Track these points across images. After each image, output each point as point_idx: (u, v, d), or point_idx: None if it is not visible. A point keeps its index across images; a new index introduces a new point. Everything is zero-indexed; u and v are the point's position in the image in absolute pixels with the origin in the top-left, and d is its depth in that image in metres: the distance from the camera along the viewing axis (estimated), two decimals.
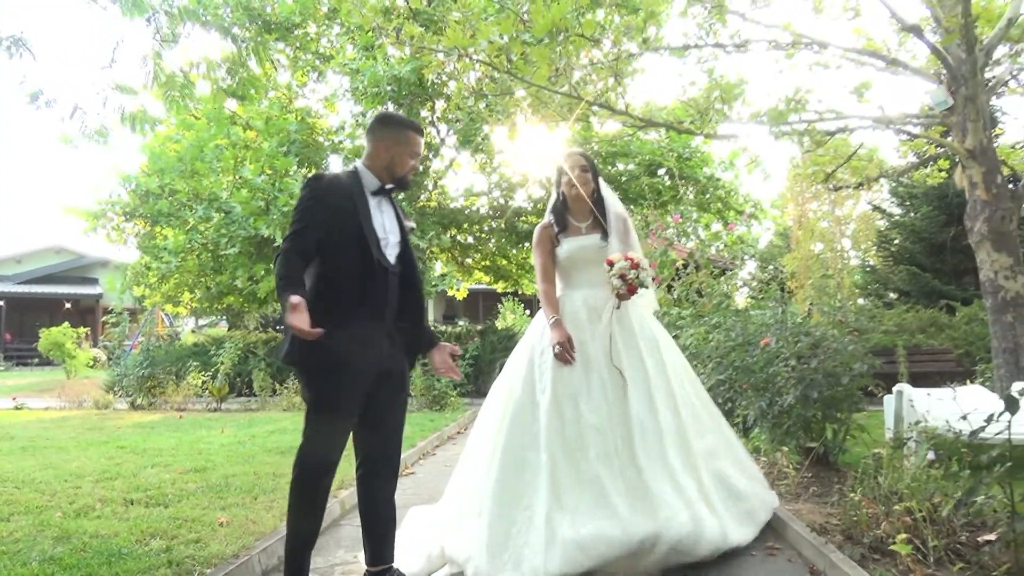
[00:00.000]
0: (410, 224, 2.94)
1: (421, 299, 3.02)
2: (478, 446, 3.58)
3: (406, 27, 5.85)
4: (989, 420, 2.46)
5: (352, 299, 2.69)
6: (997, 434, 2.51)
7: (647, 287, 3.54)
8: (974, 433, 2.62)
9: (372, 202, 2.81)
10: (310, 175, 3.34)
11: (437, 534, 3.37)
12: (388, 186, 2.88)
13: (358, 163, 2.89)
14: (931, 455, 3.46)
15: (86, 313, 30.37)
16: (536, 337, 3.62)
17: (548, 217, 3.78)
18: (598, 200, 3.72)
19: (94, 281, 30.96)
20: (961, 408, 2.93)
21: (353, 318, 2.69)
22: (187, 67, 3.32)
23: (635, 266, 3.40)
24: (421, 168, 13.40)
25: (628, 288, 3.40)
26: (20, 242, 47.94)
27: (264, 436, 7.31)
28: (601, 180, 3.77)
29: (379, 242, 2.77)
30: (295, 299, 2.41)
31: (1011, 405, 2.35)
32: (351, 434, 2.87)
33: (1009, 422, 2.43)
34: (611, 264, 3.44)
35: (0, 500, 4.35)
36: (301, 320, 2.38)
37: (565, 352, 3.38)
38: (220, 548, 3.34)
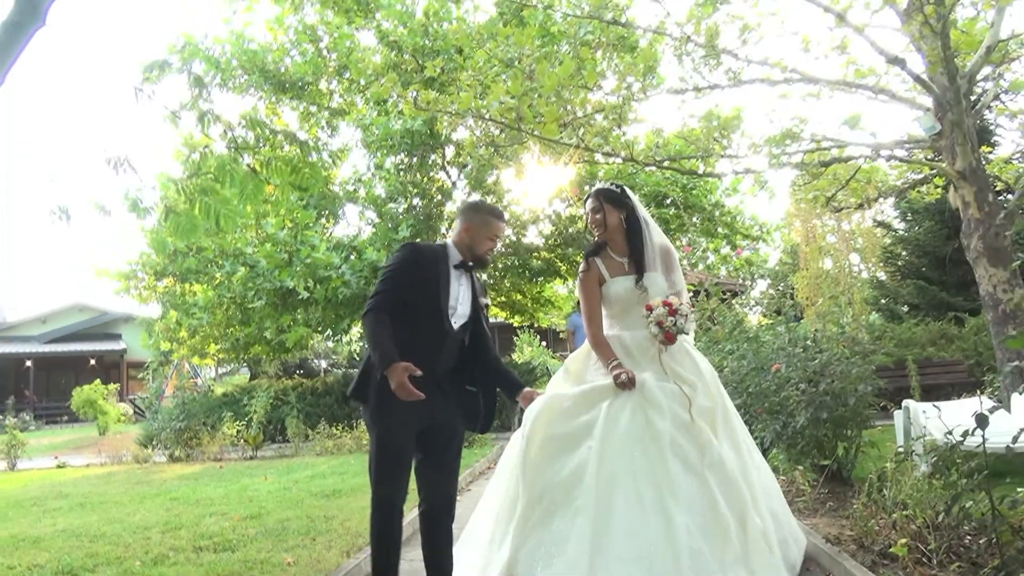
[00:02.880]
0: (484, 300, 3.37)
1: (494, 366, 3.45)
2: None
3: (422, 94, 6.34)
4: (965, 435, 2.81)
5: (415, 355, 3.08)
6: (977, 446, 2.86)
7: (687, 333, 3.45)
8: (954, 447, 2.97)
9: (453, 274, 3.27)
10: (406, 242, 3.85)
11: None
12: (469, 263, 3.33)
13: (448, 239, 3.38)
14: (924, 467, 3.78)
15: (110, 368, 30.93)
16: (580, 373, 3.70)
17: (587, 257, 3.78)
18: (632, 232, 3.66)
19: (117, 337, 31.55)
20: (945, 424, 3.27)
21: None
22: (257, 165, 3.77)
23: (672, 312, 3.31)
24: (436, 212, 13.94)
25: (666, 336, 3.34)
26: (44, 302, 49.00)
27: (307, 481, 7.67)
28: (642, 210, 3.73)
29: (449, 310, 3.20)
30: (401, 365, 2.90)
31: (981, 422, 2.71)
32: (414, 476, 3.26)
33: (983, 435, 2.77)
34: (649, 310, 3.38)
35: (81, 553, 4.74)
36: (405, 385, 2.88)
37: (629, 384, 3.35)
38: None
